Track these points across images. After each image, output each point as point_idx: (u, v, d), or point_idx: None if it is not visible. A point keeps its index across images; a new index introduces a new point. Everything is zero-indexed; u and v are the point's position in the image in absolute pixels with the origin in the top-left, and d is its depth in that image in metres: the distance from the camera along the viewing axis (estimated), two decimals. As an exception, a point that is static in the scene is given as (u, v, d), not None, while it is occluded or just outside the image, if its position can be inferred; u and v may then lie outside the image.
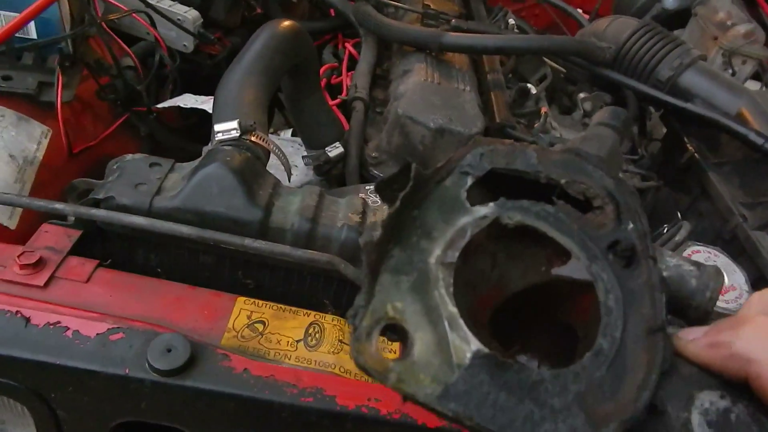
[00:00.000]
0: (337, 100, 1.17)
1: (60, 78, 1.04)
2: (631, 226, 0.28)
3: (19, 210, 0.98)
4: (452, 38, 1.11)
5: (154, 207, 0.61)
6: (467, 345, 0.25)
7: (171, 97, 1.29)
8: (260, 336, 0.58)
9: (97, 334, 0.52)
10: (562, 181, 0.29)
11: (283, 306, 0.61)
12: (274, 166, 0.73)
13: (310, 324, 0.60)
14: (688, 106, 1.05)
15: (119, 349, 0.51)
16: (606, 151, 0.33)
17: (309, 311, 0.61)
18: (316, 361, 0.57)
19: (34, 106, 1.05)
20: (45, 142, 1.06)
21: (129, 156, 0.68)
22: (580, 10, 1.51)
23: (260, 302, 0.61)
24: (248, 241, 0.60)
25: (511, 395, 0.24)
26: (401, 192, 0.28)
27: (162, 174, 0.65)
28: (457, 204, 0.29)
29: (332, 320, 0.61)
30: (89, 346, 0.51)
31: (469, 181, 0.29)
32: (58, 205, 0.59)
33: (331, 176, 1.07)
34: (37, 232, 0.61)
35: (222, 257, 0.66)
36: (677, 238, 0.91)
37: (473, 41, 1.11)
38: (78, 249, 0.61)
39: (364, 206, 0.67)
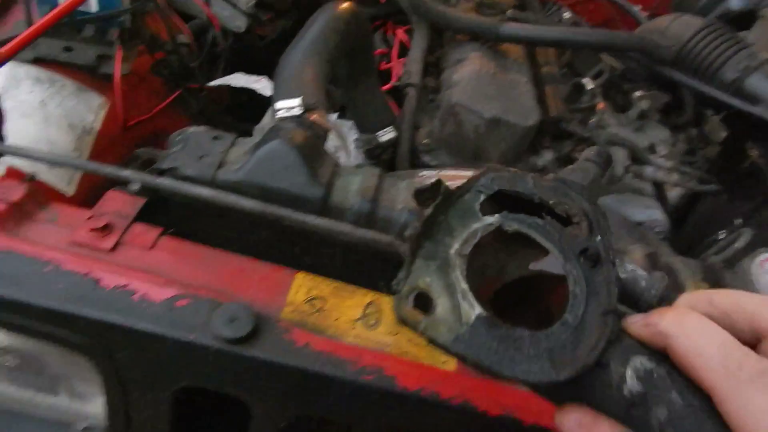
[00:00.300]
0: (388, 86, 1.16)
1: (119, 51, 1.05)
2: (599, 238, 0.37)
3: (78, 177, 1.00)
4: (510, 28, 1.09)
5: (217, 179, 0.62)
6: (473, 310, 0.36)
7: (222, 76, 1.31)
8: (319, 312, 0.58)
9: (164, 299, 0.52)
10: (551, 202, 0.39)
11: (341, 283, 0.61)
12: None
13: (369, 303, 0.60)
14: (755, 110, 1.02)
15: (185, 315, 0.52)
16: (588, 181, 0.41)
17: (367, 291, 0.61)
18: (374, 340, 0.57)
19: (92, 77, 1.07)
20: (102, 114, 1.08)
21: (192, 128, 0.68)
22: (638, 7, 1.47)
23: (319, 278, 0.61)
24: (310, 218, 0.60)
25: (500, 344, 0.35)
26: (433, 201, 0.39)
27: (224, 147, 0.65)
28: (472, 213, 0.39)
29: (390, 301, 0.61)
30: (156, 310, 0.52)
31: (482, 197, 0.40)
32: (126, 173, 0.60)
33: (381, 161, 1.07)
34: (103, 197, 0.62)
35: (280, 233, 0.66)
36: (737, 245, 0.88)
37: (532, 32, 1.09)
38: (141, 216, 0.62)
39: (425, 190, 0.67)
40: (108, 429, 0.61)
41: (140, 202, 0.62)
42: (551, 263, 0.38)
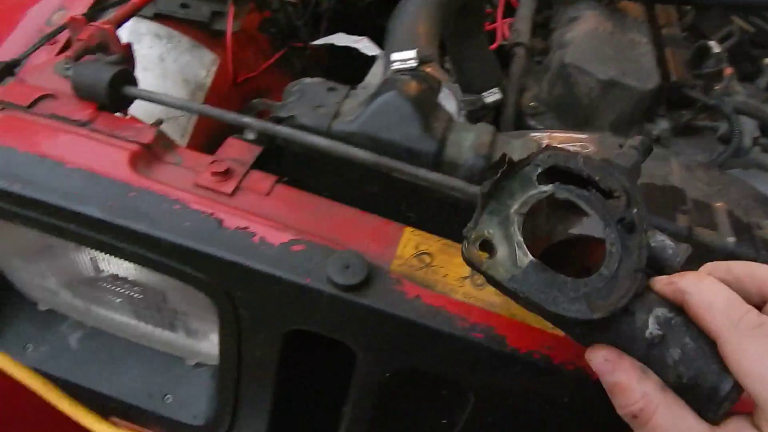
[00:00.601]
0: (493, 46, 1.12)
1: (232, 8, 1.08)
2: (635, 210, 0.43)
3: (190, 130, 1.05)
4: (632, -17, 1.01)
5: (332, 129, 0.62)
6: (526, 257, 0.43)
7: (325, 36, 1.31)
8: (427, 267, 0.57)
9: (281, 243, 0.54)
10: (597, 178, 0.45)
11: (448, 241, 0.60)
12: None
13: (476, 263, 0.59)
14: None
15: (300, 259, 0.53)
16: (630, 164, 0.48)
17: (474, 250, 0.60)
18: (483, 300, 0.55)
19: (205, 34, 1.11)
20: (213, 70, 1.12)
21: (308, 79, 0.69)
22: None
23: (427, 234, 0.60)
24: (422, 171, 0.59)
25: (547, 285, 0.42)
26: (500, 169, 0.46)
27: (339, 98, 0.65)
28: (530, 182, 0.46)
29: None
30: (274, 252, 0.53)
31: (539, 170, 0.46)
32: (247, 119, 0.62)
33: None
34: (223, 144, 0.64)
35: (389, 187, 0.66)
36: None
37: (657, -13, 1.00)
38: (258, 164, 0.64)
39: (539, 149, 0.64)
40: (219, 365, 0.65)
41: (257, 149, 0.64)
42: (593, 228, 0.44)
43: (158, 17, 1.06)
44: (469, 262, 0.44)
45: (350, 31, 1.30)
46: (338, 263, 0.52)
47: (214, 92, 1.10)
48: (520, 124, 1.00)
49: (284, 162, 0.67)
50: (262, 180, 0.61)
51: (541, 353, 0.51)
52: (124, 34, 1.02)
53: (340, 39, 1.27)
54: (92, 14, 0.85)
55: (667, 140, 1.02)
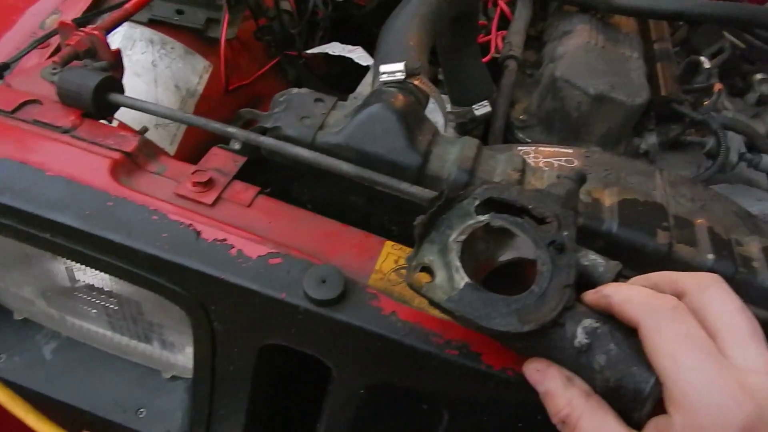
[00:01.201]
0: (488, 58, 1.12)
1: (226, 15, 1.08)
2: (565, 233, 0.48)
3: (179, 137, 1.05)
4: (624, -1, 1.02)
5: (317, 141, 0.62)
6: (462, 280, 0.47)
7: (320, 45, 1.32)
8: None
9: (259, 256, 0.54)
10: (530, 206, 0.50)
11: (429, 256, 0.60)
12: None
13: (456, 278, 0.58)
14: None
15: (277, 273, 0.53)
16: (564, 193, 0.52)
17: (454, 266, 0.60)
18: (460, 316, 0.55)
19: (199, 40, 1.11)
20: (206, 77, 1.13)
21: (295, 89, 0.68)
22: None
23: (407, 248, 0.60)
24: (405, 185, 0.59)
25: (481, 304, 0.45)
26: (438, 202, 0.50)
27: (326, 110, 0.65)
28: (468, 213, 0.50)
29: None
30: (251, 266, 0.53)
31: (477, 202, 0.51)
32: (231, 129, 0.61)
33: (472, 136, 1.03)
34: (207, 154, 0.64)
35: (372, 200, 0.66)
36: None
37: (648, 3, 1.01)
38: (241, 175, 0.63)
39: (524, 164, 0.64)
40: (193, 379, 0.64)
41: (241, 160, 0.64)
42: (528, 251, 0.48)
43: (152, 23, 1.06)
44: (411, 286, 0.48)
45: (346, 41, 1.30)
46: (314, 277, 0.52)
47: (206, 99, 1.10)
48: (510, 136, 1.00)
49: (269, 173, 0.67)
50: (244, 191, 0.61)
51: (514, 370, 0.50)
52: (117, 39, 1.02)
53: (335, 48, 1.28)
54: (85, 19, 0.85)
55: (655, 154, 1.02)
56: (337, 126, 0.63)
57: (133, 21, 1.02)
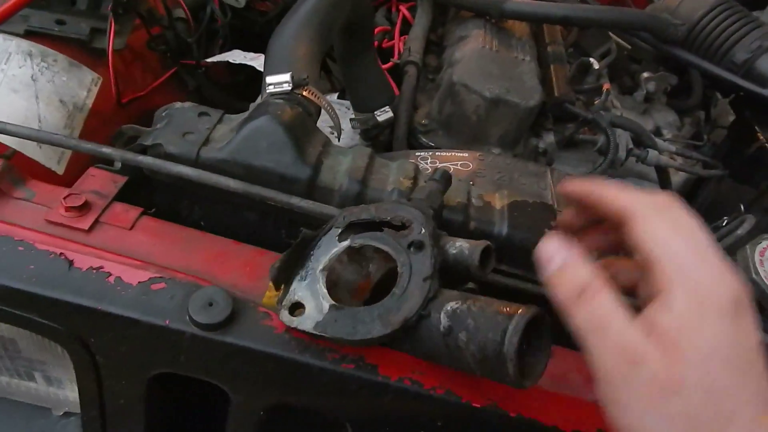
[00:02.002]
0: (389, 64, 1.13)
1: (112, 25, 1.03)
2: (422, 231, 0.50)
3: (68, 155, 0.98)
4: (515, 4, 1.05)
5: (201, 157, 0.60)
6: (327, 303, 0.49)
7: (220, 53, 1.28)
8: (301, 298, 0.56)
9: (139, 282, 0.51)
10: (388, 218, 0.52)
11: (325, 269, 0.59)
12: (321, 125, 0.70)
13: (353, 290, 0.58)
14: (766, 92, 0.98)
15: (160, 299, 0.50)
16: (425, 195, 0.56)
17: (352, 277, 0.59)
18: (357, 328, 0.55)
19: (85, 52, 1.05)
20: (95, 90, 1.06)
21: (178, 104, 0.66)
22: (649, -16, 1.42)
23: (303, 263, 0.59)
24: (295, 200, 0.58)
25: (345, 321, 0.48)
26: (296, 243, 0.52)
27: (211, 124, 0.63)
28: (333, 243, 0.53)
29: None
30: (131, 293, 0.50)
31: (339, 230, 0.53)
32: (106, 149, 0.58)
33: (378, 142, 1.04)
34: (83, 175, 0.60)
35: (266, 214, 0.64)
36: (740, 231, 0.85)
37: (537, 9, 1.05)
38: (123, 195, 0.60)
39: (416, 171, 0.64)
40: (82, 416, 0.60)
41: (121, 180, 0.60)
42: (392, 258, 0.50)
43: (30, 34, 0.99)
44: (285, 325, 0.50)
45: (248, 48, 1.27)
46: (200, 301, 0.49)
47: (96, 114, 1.03)
48: (414, 141, 1.01)
49: (154, 191, 0.64)
50: (125, 213, 0.58)
51: (411, 379, 0.50)
52: (-11, 53, 0.95)
53: (236, 56, 1.24)
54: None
55: (553, 153, 1.06)
56: (222, 141, 0.61)
57: (6, 32, 0.94)
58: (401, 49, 1.19)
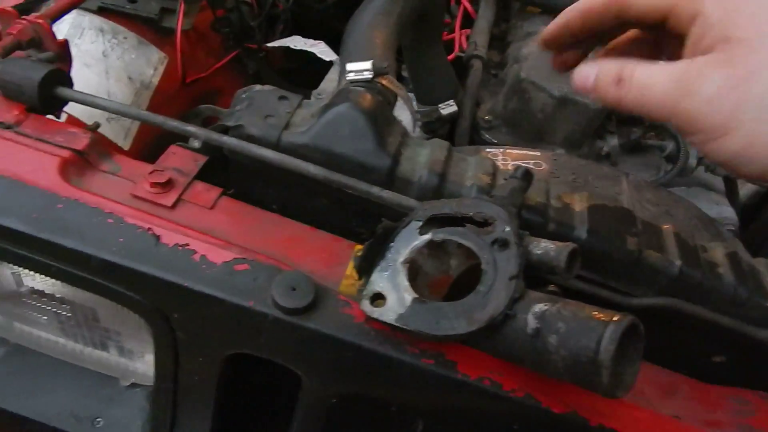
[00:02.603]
0: (451, 56, 1.12)
1: (182, 5, 1.04)
2: (507, 229, 0.49)
3: (134, 131, 1.00)
4: (586, 2, 1.02)
5: (282, 141, 0.59)
6: (410, 296, 0.48)
7: (280, 38, 1.28)
8: (377, 288, 0.56)
9: (223, 261, 0.51)
10: (470, 213, 0.51)
11: (400, 260, 0.59)
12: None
13: (428, 284, 0.57)
14: None
15: (244, 280, 0.50)
16: (507, 192, 0.55)
17: (426, 271, 0.58)
18: (433, 322, 0.54)
19: (154, 31, 1.06)
20: (161, 69, 1.07)
21: (258, 86, 0.66)
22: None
23: (378, 253, 0.58)
24: (375, 189, 0.57)
25: (429, 315, 0.47)
26: (377, 233, 0.52)
27: (291, 108, 0.62)
28: (413, 236, 0.52)
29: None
30: (215, 272, 0.50)
31: (420, 223, 0.52)
32: (191, 128, 0.58)
33: (437, 135, 1.03)
34: (165, 153, 0.61)
35: (338, 202, 0.64)
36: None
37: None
38: (201, 175, 0.60)
39: (494, 167, 0.63)
40: (154, 389, 0.61)
41: (201, 159, 0.61)
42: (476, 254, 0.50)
43: (102, 11, 1.00)
44: (366, 315, 0.49)
45: (306, 35, 1.27)
46: (284, 285, 0.49)
47: (161, 92, 1.05)
48: (475, 137, 0.99)
49: (231, 173, 0.64)
50: (206, 192, 0.58)
51: (491, 379, 0.49)
52: (64, 27, 0.96)
53: (297, 42, 1.24)
54: (28, 6, 0.79)
55: (616, 157, 1.03)
56: (303, 125, 0.60)
57: (82, 9, 0.96)
58: (462, 43, 1.17)
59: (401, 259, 0.51)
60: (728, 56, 0.37)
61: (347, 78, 0.64)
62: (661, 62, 0.42)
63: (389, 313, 0.48)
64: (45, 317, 0.62)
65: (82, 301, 0.58)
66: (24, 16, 0.62)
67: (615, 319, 0.42)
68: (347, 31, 0.71)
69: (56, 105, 0.59)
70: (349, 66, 0.64)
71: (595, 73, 0.45)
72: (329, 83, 1.12)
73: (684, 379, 0.60)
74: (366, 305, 0.49)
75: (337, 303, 0.51)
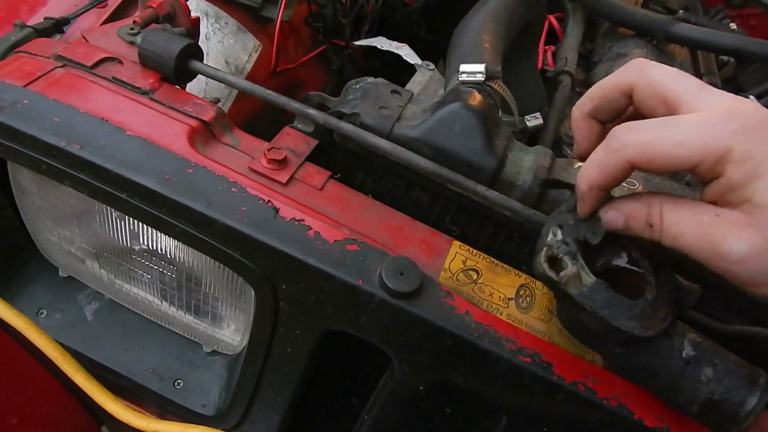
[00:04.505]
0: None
1: (284, -3, 1.07)
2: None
3: (227, 110, 1.04)
4: (683, 28, 1.02)
5: (394, 132, 0.61)
6: (590, 278, 0.46)
7: (365, 38, 1.31)
8: (474, 284, 0.57)
9: (335, 240, 0.53)
10: None
11: (494, 260, 0.60)
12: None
13: (521, 285, 0.58)
14: None
15: (354, 259, 0.52)
16: None
17: (519, 272, 0.59)
18: (527, 323, 0.55)
19: (252, 19, 1.10)
20: (255, 56, 1.11)
21: (370, 78, 0.68)
22: (820, 27, 1.34)
23: (474, 250, 0.59)
24: (481, 188, 0.58)
25: (608, 303, 0.45)
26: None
27: (402, 102, 0.64)
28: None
29: (542, 287, 0.59)
30: (328, 249, 0.52)
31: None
32: (312, 111, 0.61)
33: (519, 146, 1.03)
34: (279, 133, 0.63)
35: (436, 197, 0.66)
36: None
37: (707, 36, 1.01)
38: (312, 157, 0.63)
39: (595, 181, 0.63)
40: (245, 356, 0.63)
41: (313, 142, 0.63)
42: (628, 261, 0.49)
43: (209, -5, 1.05)
44: (542, 276, 0.48)
45: (389, 37, 1.30)
46: (392, 268, 0.51)
47: (252, 78, 1.09)
48: (557, 151, 0.99)
49: (334, 158, 0.67)
50: (316, 174, 0.60)
51: (586, 385, 0.50)
52: (174, 7, 1.01)
53: (383, 43, 1.27)
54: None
55: (697, 185, 1.02)
56: (414, 120, 0.62)
57: (191, -9, 1.00)
58: (547, 59, 1.18)
59: (581, 234, 0.48)
60: (753, 219, 0.38)
61: (459, 78, 0.66)
62: (685, 201, 0.42)
63: (573, 290, 0.46)
64: (149, 276, 0.65)
65: (191, 263, 0.61)
66: (161, -8, 0.66)
67: (764, 378, 0.44)
68: (458, 33, 0.73)
69: (188, 77, 0.63)
70: (463, 67, 0.66)
71: (624, 219, 0.45)
72: (415, 85, 1.13)
73: (768, 414, 0.59)
74: (545, 267, 0.48)
75: (440, 292, 0.52)
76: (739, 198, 0.39)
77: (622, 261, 0.50)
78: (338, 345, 0.62)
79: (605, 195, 0.46)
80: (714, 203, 0.41)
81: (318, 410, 0.77)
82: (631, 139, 0.42)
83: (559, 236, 0.48)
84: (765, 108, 0.40)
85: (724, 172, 0.39)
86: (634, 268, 0.49)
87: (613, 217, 0.46)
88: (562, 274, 0.47)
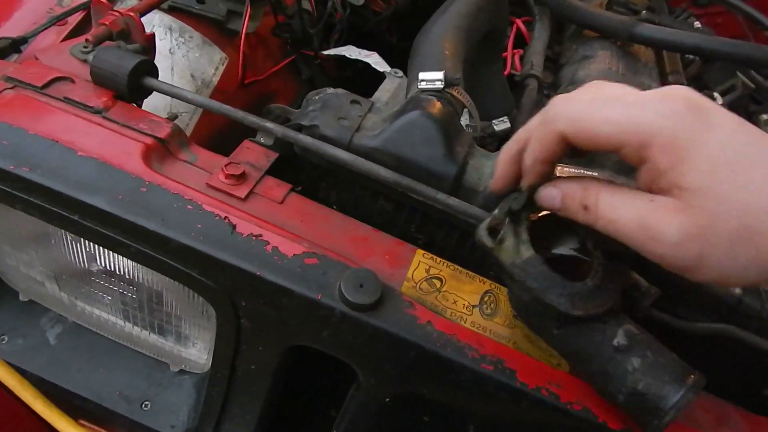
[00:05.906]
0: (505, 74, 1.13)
1: (248, 9, 1.07)
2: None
3: (193, 125, 1.03)
4: (646, 29, 1.03)
5: (353, 143, 0.61)
6: (528, 251, 0.48)
7: (335, 47, 1.31)
8: (437, 292, 0.56)
9: (294, 254, 0.52)
10: None
11: (459, 267, 0.59)
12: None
13: (486, 292, 0.58)
14: None
15: (313, 273, 0.51)
16: None
17: (484, 278, 0.59)
18: (491, 330, 0.55)
19: (218, 32, 1.09)
20: (221, 69, 1.11)
21: (330, 89, 0.68)
22: (780, 24, 1.36)
23: (437, 258, 0.59)
24: (441, 196, 0.58)
25: (541, 277, 0.47)
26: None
27: (362, 112, 0.64)
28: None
29: (507, 292, 0.59)
30: (287, 264, 0.52)
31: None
32: (269, 124, 0.60)
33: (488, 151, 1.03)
34: (239, 147, 0.63)
35: (400, 207, 0.65)
36: None
37: (668, 36, 1.02)
38: (272, 171, 0.62)
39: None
40: (210, 375, 0.63)
41: (273, 155, 0.63)
42: (579, 250, 0.50)
43: (173, 10, 1.04)
44: (479, 242, 0.50)
45: (358, 46, 1.30)
46: (352, 281, 0.50)
47: (220, 91, 1.08)
48: (526, 154, 1.00)
49: (296, 171, 0.66)
50: (277, 187, 0.60)
51: (549, 390, 0.50)
52: (136, 23, 1.00)
53: (351, 51, 1.27)
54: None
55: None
56: (373, 129, 0.62)
57: (154, 6, 1.00)
58: (515, 63, 1.18)
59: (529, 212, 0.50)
60: (685, 204, 0.38)
61: (419, 86, 0.65)
62: (622, 188, 0.42)
63: (504, 254, 0.48)
64: (110, 297, 0.64)
65: (150, 283, 0.60)
66: (116, 9, 0.66)
67: (694, 377, 0.44)
68: (418, 41, 0.73)
69: (142, 94, 0.62)
70: (422, 75, 0.66)
71: (560, 197, 0.45)
72: (383, 93, 1.13)
73: (735, 409, 0.59)
74: (484, 234, 0.50)
75: (401, 303, 0.52)
76: (669, 183, 0.38)
77: (572, 247, 0.51)
78: (313, 358, 0.61)
79: (546, 170, 0.46)
80: (649, 191, 0.40)
81: (295, 424, 0.76)
82: (563, 110, 0.42)
83: (506, 209, 0.50)
84: (698, 92, 0.40)
85: (651, 157, 0.38)
86: (581, 255, 0.50)
87: (550, 193, 0.46)
88: (496, 245, 0.48)
